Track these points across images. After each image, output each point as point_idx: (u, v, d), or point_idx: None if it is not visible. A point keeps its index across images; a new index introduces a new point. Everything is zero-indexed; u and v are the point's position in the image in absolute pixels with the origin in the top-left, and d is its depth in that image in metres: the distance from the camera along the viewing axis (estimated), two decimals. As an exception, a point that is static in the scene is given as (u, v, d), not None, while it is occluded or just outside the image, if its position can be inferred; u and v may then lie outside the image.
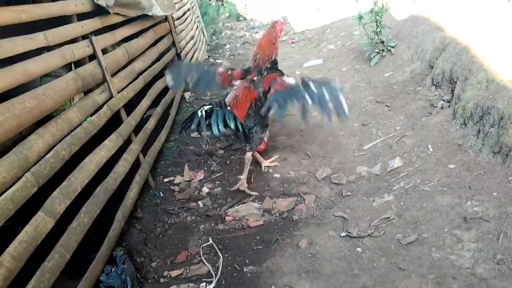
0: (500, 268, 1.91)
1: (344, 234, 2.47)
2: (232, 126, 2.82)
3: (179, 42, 5.79)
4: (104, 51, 3.14)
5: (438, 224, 2.32)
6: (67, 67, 2.69)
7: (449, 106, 3.38)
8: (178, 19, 6.29)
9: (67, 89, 2.38)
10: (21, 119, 1.89)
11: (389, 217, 2.51)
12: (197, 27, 8.50)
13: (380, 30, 4.77)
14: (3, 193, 1.66)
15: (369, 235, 2.40)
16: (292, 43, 7.79)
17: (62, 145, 2.16)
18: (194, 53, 6.99)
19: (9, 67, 1.94)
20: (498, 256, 1.97)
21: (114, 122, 3.02)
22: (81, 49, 2.72)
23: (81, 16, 2.96)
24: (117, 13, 3.53)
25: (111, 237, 2.35)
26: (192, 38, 7.12)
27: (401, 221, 2.45)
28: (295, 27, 9.41)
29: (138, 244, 2.65)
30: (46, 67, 2.25)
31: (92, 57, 2.92)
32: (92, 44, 2.88)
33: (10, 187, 1.71)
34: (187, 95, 5.50)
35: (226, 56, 8.13)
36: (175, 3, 6.39)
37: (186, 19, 7.16)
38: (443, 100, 3.46)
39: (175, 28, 5.69)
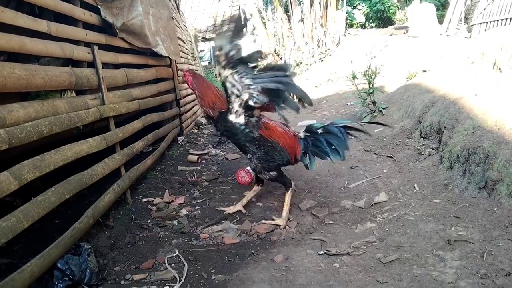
0: (484, 282, 1.78)
1: (322, 252, 2.34)
2: None
3: (180, 90, 5.98)
4: (105, 67, 3.24)
5: (421, 246, 2.21)
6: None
7: (436, 153, 3.40)
8: (182, 71, 6.56)
9: (59, 77, 2.41)
10: (7, 81, 1.89)
11: (370, 241, 2.40)
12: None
13: (373, 92, 4.97)
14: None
15: (348, 253, 2.27)
16: (289, 109, 8.04)
17: (44, 121, 2.13)
18: (193, 107, 7.17)
19: (6, 34, 1.99)
20: (482, 271, 1.85)
21: (103, 132, 3.01)
22: (81, 52, 2.81)
23: (89, 29, 3.11)
24: (123, 39, 3.71)
25: (76, 228, 2.21)
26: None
27: (383, 244, 2.33)
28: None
29: (104, 248, 2.49)
30: (43, 50, 2.30)
31: (91, 65, 3.01)
32: (93, 52, 2.98)
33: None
34: (180, 139, 5.54)
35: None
36: (182, 62, 6.76)
37: (189, 76, 7.47)
38: (431, 148, 3.50)
39: (177, 76, 5.91)
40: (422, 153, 3.50)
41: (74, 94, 2.79)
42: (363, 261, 2.18)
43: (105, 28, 3.48)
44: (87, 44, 3.00)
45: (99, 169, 2.67)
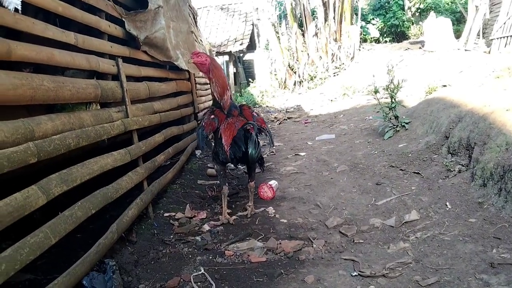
0: (537, 309, 1.66)
1: (355, 273, 2.23)
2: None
3: (198, 104, 5.96)
4: (127, 80, 3.21)
5: (461, 268, 2.10)
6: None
7: (466, 170, 3.28)
8: (200, 84, 6.57)
9: (85, 90, 2.38)
10: (36, 92, 1.86)
11: (406, 262, 2.28)
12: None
13: (395, 106, 4.87)
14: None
15: (383, 275, 2.16)
16: (306, 123, 7.97)
17: (71, 134, 2.09)
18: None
19: (37, 46, 1.97)
20: (534, 298, 1.73)
21: (128, 145, 2.97)
22: (106, 65, 2.79)
23: (112, 41, 3.09)
24: (145, 52, 3.70)
25: (101, 244, 2.14)
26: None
27: (419, 266, 2.22)
28: (309, 112, 9.72)
29: (128, 265, 2.41)
30: (70, 61, 2.28)
31: (116, 78, 2.98)
32: (117, 65, 2.96)
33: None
34: (198, 152, 5.50)
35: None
36: (200, 75, 6.75)
37: (206, 89, 7.48)
38: (460, 165, 3.38)
39: (196, 90, 5.90)
40: (452, 169, 3.39)
41: (99, 107, 2.76)
42: (400, 284, 2.07)
43: (128, 41, 3.47)
44: (112, 57, 2.99)
45: (123, 183, 2.62)
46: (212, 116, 3.18)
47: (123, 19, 3.29)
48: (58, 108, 2.49)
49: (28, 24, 1.94)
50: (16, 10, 1.79)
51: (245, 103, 3.48)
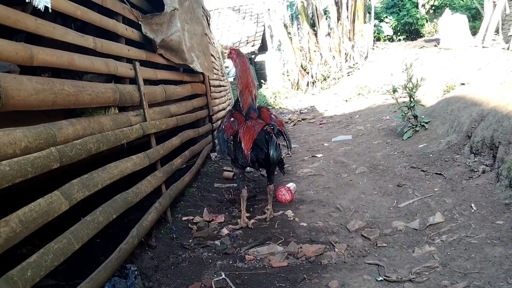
0: None
1: (381, 278, 2.17)
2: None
3: (212, 106, 5.95)
4: (144, 83, 3.21)
5: (491, 273, 2.02)
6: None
7: (491, 170, 3.19)
8: (214, 86, 6.56)
9: (104, 94, 2.37)
10: (57, 97, 1.85)
11: (432, 266, 2.22)
12: (229, 105, 8.86)
13: (414, 105, 4.78)
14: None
15: (410, 280, 2.10)
16: (321, 124, 7.91)
17: (91, 138, 2.08)
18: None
19: (58, 51, 1.97)
20: None
21: (144, 149, 2.96)
22: (124, 68, 2.79)
23: (130, 45, 3.09)
24: (161, 55, 3.70)
25: (122, 249, 2.13)
26: (224, 109, 7.36)
27: (447, 270, 2.15)
28: (323, 113, 9.65)
29: (148, 270, 2.39)
30: (89, 66, 2.28)
31: (133, 81, 2.97)
32: (135, 69, 2.95)
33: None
34: (213, 155, 5.48)
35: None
36: (214, 78, 6.76)
37: (220, 91, 7.48)
38: (484, 165, 3.29)
39: (210, 92, 5.89)
40: (475, 170, 3.30)
41: (117, 111, 2.75)
42: (428, 289, 2.00)
43: (144, 44, 3.47)
44: (129, 60, 2.98)
45: (142, 187, 2.60)
46: (232, 119, 3.16)
47: (140, 22, 3.29)
48: (77, 112, 2.49)
49: (49, 29, 1.94)
50: (46, 8, 1.78)
51: (263, 105, 3.43)
